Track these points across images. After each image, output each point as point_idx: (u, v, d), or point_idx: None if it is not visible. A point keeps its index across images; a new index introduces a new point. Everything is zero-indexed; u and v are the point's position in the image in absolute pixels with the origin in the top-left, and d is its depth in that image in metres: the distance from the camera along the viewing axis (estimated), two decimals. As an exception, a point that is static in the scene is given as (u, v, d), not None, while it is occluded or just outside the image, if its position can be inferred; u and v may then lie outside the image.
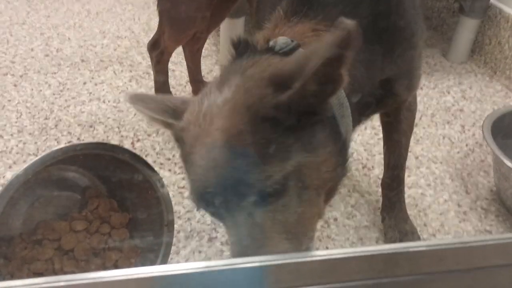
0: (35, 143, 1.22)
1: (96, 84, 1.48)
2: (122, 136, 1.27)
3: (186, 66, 1.44)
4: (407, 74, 0.80)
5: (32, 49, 1.65)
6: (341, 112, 0.64)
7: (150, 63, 1.34)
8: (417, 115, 1.41)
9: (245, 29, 1.55)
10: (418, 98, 1.50)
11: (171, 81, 1.49)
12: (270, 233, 0.57)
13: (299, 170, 0.57)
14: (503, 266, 0.54)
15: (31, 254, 0.83)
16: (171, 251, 0.88)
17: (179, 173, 1.16)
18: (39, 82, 1.47)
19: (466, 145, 1.31)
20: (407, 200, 1.08)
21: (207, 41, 1.43)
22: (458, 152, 1.28)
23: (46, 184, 0.88)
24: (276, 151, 0.55)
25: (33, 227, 0.86)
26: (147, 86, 1.43)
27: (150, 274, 0.48)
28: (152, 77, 1.35)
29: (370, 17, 0.68)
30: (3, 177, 1.10)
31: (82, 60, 1.60)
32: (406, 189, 1.05)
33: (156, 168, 0.89)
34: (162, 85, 1.35)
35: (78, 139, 1.24)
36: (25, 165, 0.77)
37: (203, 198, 0.58)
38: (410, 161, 1.23)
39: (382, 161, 1.01)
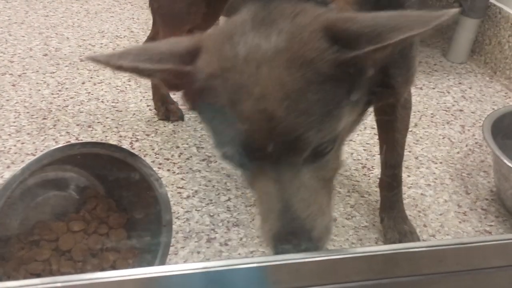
0: (33, 143, 1.22)
1: (94, 84, 1.47)
2: (120, 136, 1.27)
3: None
4: (403, 65, 0.79)
5: (30, 49, 1.64)
6: None
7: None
8: (417, 115, 1.42)
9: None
10: (418, 98, 1.51)
11: (170, 81, 1.48)
12: (312, 191, 0.57)
13: (343, 128, 0.58)
14: (503, 267, 0.54)
15: (28, 254, 0.82)
16: (169, 252, 0.88)
17: (177, 173, 1.15)
18: (38, 82, 1.46)
19: (466, 145, 1.31)
20: (407, 200, 1.08)
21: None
22: (458, 152, 1.28)
23: (44, 184, 0.87)
24: (333, 110, 0.55)
25: (30, 227, 0.86)
26: (146, 86, 1.42)
27: (148, 275, 0.47)
28: (151, 76, 1.35)
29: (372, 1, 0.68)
30: (1, 177, 1.10)
31: (81, 60, 1.60)
32: (406, 189, 1.05)
33: (154, 168, 0.89)
34: (159, 86, 1.34)
35: (77, 139, 1.24)
36: (22, 165, 0.77)
37: (249, 149, 0.55)
38: (410, 161, 1.23)
39: (382, 161, 1.01)
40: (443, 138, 1.33)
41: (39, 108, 1.35)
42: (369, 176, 1.18)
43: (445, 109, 1.46)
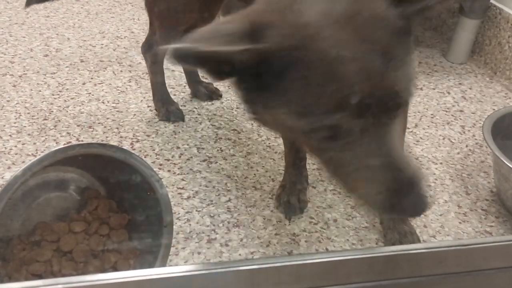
0: (34, 143, 1.22)
1: (95, 85, 1.48)
2: (121, 136, 1.27)
3: (185, 67, 1.44)
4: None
5: (31, 49, 1.65)
6: None
7: (149, 64, 1.33)
8: (417, 116, 1.42)
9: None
10: (418, 99, 1.51)
11: (171, 82, 1.48)
12: (401, 144, 0.63)
13: None
14: (503, 269, 0.54)
15: (30, 255, 0.82)
16: (170, 253, 0.88)
17: (178, 174, 1.15)
18: (38, 83, 1.46)
19: (466, 145, 1.31)
20: (407, 201, 1.08)
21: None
22: (458, 153, 1.28)
23: (45, 185, 0.87)
24: (411, 62, 0.58)
25: (32, 228, 0.86)
26: (147, 86, 1.42)
27: (149, 277, 0.47)
28: (152, 77, 1.35)
29: None
30: (2, 178, 1.10)
31: (82, 61, 1.60)
32: (406, 190, 1.04)
33: (155, 169, 0.89)
34: (159, 86, 1.34)
35: (77, 139, 1.24)
36: (23, 166, 0.77)
37: (355, 110, 0.55)
38: (410, 162, 1.23)
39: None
40: (443, 138, 1.34)
41: (39, 109, 1.35)
42: (369, 176, 1.18)
43: (445, 110, 1.46)
